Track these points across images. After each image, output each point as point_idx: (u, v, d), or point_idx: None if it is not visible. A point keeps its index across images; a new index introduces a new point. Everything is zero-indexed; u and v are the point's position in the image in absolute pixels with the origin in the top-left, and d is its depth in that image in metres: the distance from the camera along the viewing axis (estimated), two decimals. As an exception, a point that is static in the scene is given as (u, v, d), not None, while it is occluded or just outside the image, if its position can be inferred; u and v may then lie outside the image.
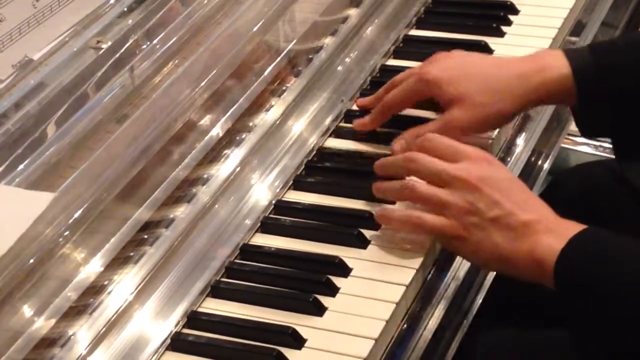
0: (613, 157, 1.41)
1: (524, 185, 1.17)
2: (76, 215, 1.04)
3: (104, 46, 1.10)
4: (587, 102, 1.25)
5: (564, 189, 1.45)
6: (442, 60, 1.29)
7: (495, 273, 1.22)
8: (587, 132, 1.32)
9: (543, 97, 1.27)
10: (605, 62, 1.25)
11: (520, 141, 1.34)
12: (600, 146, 1.94)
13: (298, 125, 1.34)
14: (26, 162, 1.00)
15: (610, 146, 1.91)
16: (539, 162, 1.41)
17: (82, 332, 1.04)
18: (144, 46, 1.12)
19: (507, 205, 1.10)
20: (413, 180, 1.15)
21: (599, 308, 1.05)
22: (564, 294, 1.08)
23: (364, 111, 1.36)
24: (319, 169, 1.30)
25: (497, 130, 1.32)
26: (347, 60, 1.44)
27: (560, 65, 1.25)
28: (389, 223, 1.17)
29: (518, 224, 1.09)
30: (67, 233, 1.04)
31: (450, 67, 1.27)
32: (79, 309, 1.04)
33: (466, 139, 1.27)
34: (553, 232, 1.08)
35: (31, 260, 0.99)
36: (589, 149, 1.93)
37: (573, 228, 1.07)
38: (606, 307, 1.04)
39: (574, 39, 1.55)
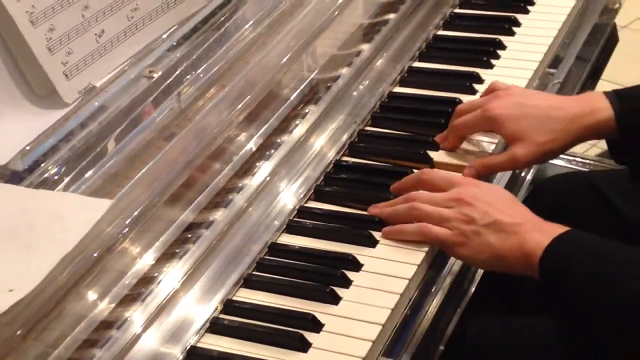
0: (585, 169, 1.41)
1: (510, 197, 1.18)
2: (131, 217, 1.04)
3: (156, 75, 1.10)
4: (626, 140, 1.25)
5: (543, 196, 1.44)
6: (504, 97, 1.28)
7: (482, 273, 1.22)
8: (619, 158, 1.31)
9: (591, 135, 1.27)
10: (637, 106, 1.25)
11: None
12: (574, 160, 1.93)
13: (319, 142, 1.33)
14: (89, 173, 1.00)
15: (582, 160, 1.92)
16: (522, 174, 1.40)
17: (136, 315, 1.04)
18: (189, 75, 1.12)
19: (496, 213, 1.11)
20: (418, 202, 1.16)
21: (575, 297, 1.06)
22: (546, 283, 1.08)
23: (377, 135, 1.37)
24: (337, 180, 1.30)
25: (494, 145, 1.33)
26: (361, 87, 1.44)
27: (605, 108, 1.24)
28: (401, 236, 1.16)
29: (506, 227, 1.10)
30: (124, 232, 1.03)
31: (511, 106, 1.26)
32: (133, 296, 1.05)
33: (470, 149, 1.32)
34: (539, 231, 1.09)
35: (94, 255, 0.99)
36: (564, 162, 1.92)
37: (557, 228, 1.08)
38: (582, 296, 1.05)
39: (552, 70, 1.54)
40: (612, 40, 1.75)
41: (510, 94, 1.30)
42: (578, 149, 1.72)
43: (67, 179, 0.98)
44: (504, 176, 1.34)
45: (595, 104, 1.25)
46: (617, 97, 1.25)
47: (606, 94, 1.26)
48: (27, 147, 0.99)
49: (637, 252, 1.07)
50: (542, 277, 1.07)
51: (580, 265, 1.06)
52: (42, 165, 0.98)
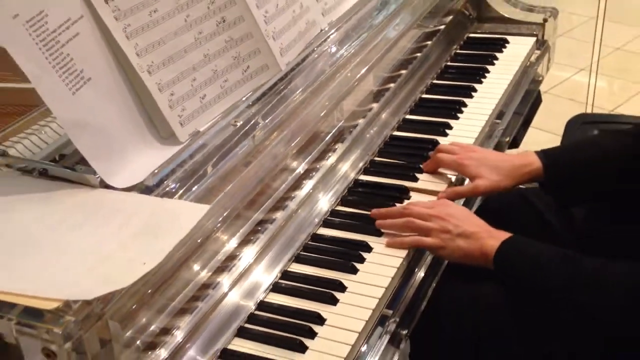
0: (521, 187, 1.39)
1: (470, 213, 1.17)
2: (222, 216, 1.04)
3: (238, 124, 1.09)
4: (550, 183, 1.26)
5: (491, 207, 1.40)
6: (471, 152, 1.29)
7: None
8: (546, 193, 1.30)
9: (527, 179, 1.27)
10: (557, 163, 1.25)
11: (467, 181, 1.30)
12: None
13: (344, 167, 1.32)
14: (195, 187, 0.99)
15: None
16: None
17: (225, 280, 1.04)
18: (260, 124, 1.11)
19: (463, 225, 1.11)
20: (412, 219, 1.15)
21: (517, 282, 1.06)
22: (499, 273, 1.08)
23: (383, 162, 1.36)
24: (355, 192, 1.29)
25: (455, 177, 1.31)
26: (371, 131, 1.42)
27: (535, 161, 1.25)
28: (402, 246, 1.14)
29: (471, 235, 1.09)
30: (217, 226, 1.03)
31: (475, 158, 1.26)
32: (222, 267, 1.05)
33: (437, 177, 1.30)
34: (493, 237, 1.08)
35: (198, 241, 0.98)
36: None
37: (504, 235, 1.08)
38: (520, 282, 1.05)
39: (497, 120, 1.51)
40: (537, 101, 1.73)
41: (474, 150, 1.31)
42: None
43: (180, 191, 0.97)
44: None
45: (529, 159, 1.25)
46: (544, 154, 1.26)
47: (537, 152, 1.26)
48: (155, 170, 0.99)
49: (557, 252, 1.06)
50: (495, 269, 1.07)
51: (519, 261, 1.06)
52: (165, 182, 0.98)
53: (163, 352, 0.92)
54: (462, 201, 1.28)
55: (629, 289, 0.96)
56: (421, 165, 1.33)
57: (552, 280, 1.01)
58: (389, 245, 1.14)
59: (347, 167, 1.32)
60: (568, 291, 0.99)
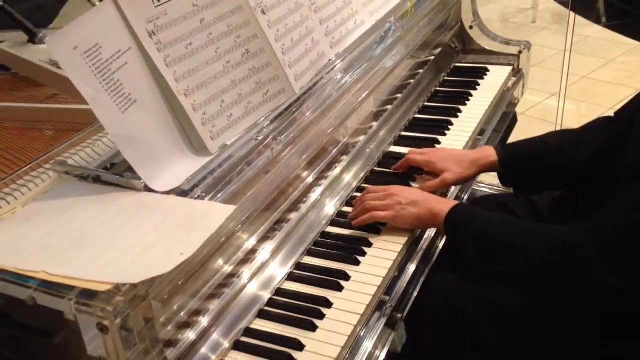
0: (497, 193, 1.40)
1: (419, 190, 1.20)
2: (245, 217, 1.05)
3: (259, 138, 1.10)
4: (504, 172, 1.28)
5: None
6: (437, 151, 1.32)
7: (440, 248, 1.21)
8: (504, 184, 1.31)
9: (485, 169, 1.29)
10: (510, 156, 1.28)
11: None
12: (492, 187, 1.91)
13: (348, 177, 1.34)
14: (223, 192, 1.01)
15: (497, 187, 1.89)
16: (462, 194, 1.38)
17: (245, 272, 1.05)
18: (277, 139, 1.12)
19: (411, 196, 1.14)
20: (368, 202, 1.18)
21: (464, 238, 1.08)
22: (448, 234, 1.10)
23: (381, 171, 1.37)
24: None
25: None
26: (371, 146, 1.44)
27: (492, 155, 1.27)
28: (363, 222, 1.17)
29: (420, 202, 1.13)
30: (239, 225, 1.04)
31: (440, 155, 1.30)
32: (244, 260, 1.06)
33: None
34: (442, 203, 1.11)
35: (222, 239, 1.00)
36: (486, 188, 1.90)
37: (454, 202, 1.11)
38: (469, 237, 1.07)
39: (479, 137, 1.53)
40: (513, 121, 1.75)
41: (440, 150, 1.35)
42: (492, 179, 1.71)
43: (210, 195, 0.99)
44: (452, 195, 1.33)
45: (487, 152, 1.28)
46: (501, 148, 1.28)
47: (494, 147, 1.29)
48: (190, 177, 1.00)
49: (499, 214, 1.10)
50: (445, 229, 1.09)
51: (467, 221, 1.08)
52: (198, 187, 0.99)
53: (195, 330, 0.94)
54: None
55: (557, 246, 0.96)
56: (413, 174, 1.34)
57: (493, 235, 1.03)
58: (353, 224, 1.17)
59: (350, 176, 1.34)
60: (506, 244, 1.01)
